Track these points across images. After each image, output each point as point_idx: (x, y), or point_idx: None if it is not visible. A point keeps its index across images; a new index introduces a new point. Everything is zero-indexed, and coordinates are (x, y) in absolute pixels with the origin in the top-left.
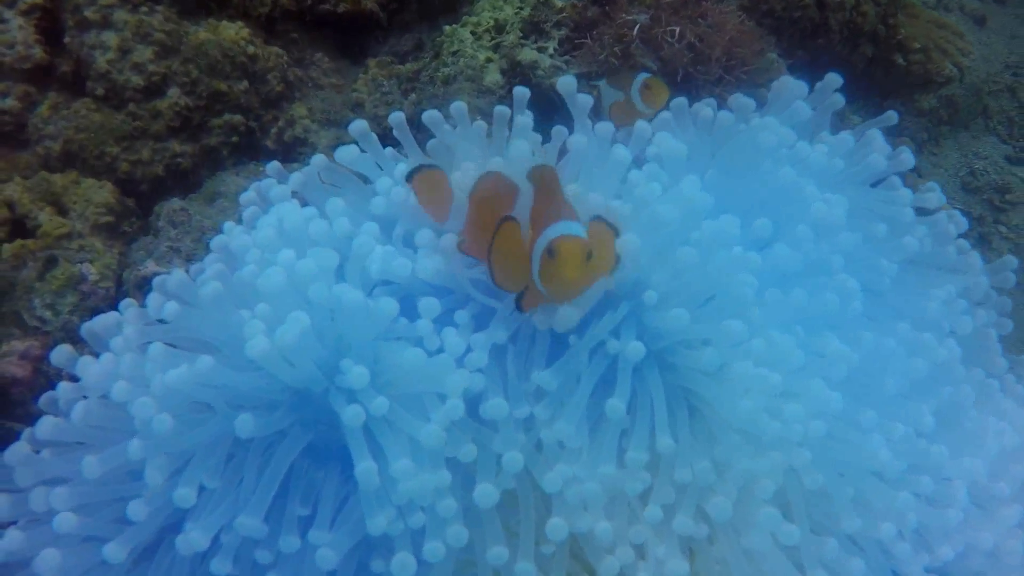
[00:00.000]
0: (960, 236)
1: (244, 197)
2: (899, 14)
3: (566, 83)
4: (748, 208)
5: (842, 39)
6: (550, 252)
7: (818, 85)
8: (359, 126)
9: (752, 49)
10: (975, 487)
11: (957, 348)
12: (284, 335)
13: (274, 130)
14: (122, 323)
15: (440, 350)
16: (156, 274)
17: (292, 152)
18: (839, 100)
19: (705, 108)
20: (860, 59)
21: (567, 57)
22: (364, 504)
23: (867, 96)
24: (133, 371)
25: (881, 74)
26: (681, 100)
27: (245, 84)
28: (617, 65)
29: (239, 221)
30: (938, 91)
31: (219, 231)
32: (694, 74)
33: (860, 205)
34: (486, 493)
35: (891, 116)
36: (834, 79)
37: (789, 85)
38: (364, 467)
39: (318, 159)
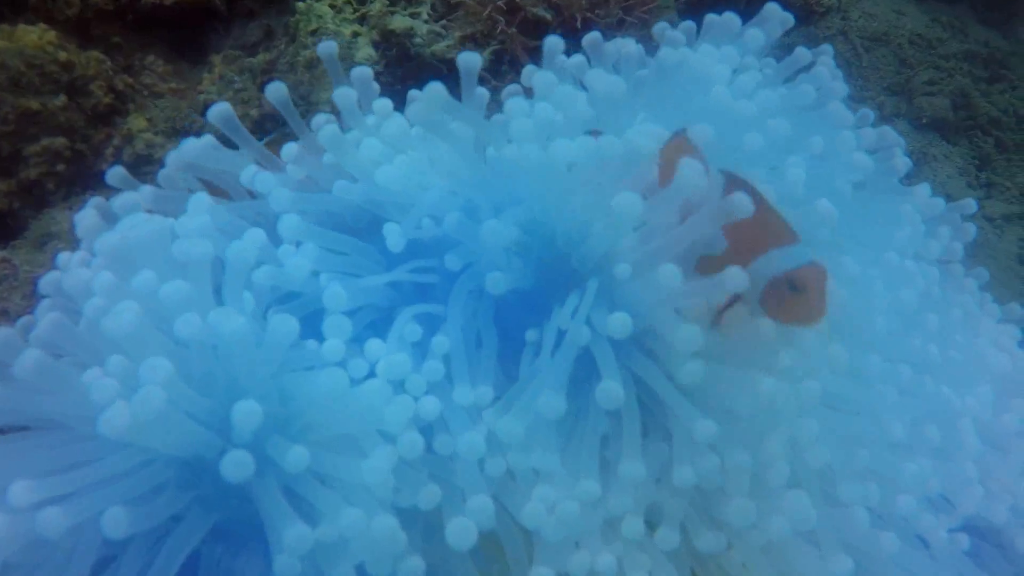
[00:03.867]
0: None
1: (80, 217)
2: None
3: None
4: None
5: None
6: (792, 286)
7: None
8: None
9: None
10: (982, 425)
11: (935, 271)
12: (143, 403)
13: (109, 150)
14: None
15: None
16: None
17: (136, 173)
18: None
19: (629, 44)
20: None
21: (444, 21)
22: None
23: None
24: None
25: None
26: (595, 35)
27: (63, 99)
28: (503, 22)
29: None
30: (819, 22)
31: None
32: (593, 19)
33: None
34: (461, 530)
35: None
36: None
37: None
38: (294, 533)
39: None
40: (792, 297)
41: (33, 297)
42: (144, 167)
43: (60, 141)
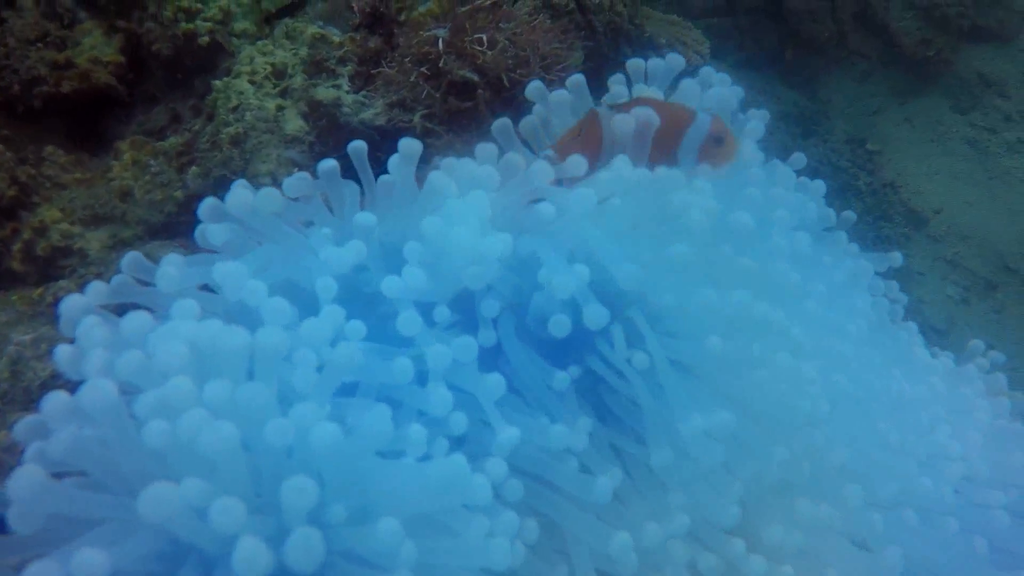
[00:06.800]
0: None
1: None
2: (639, 15)
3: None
4: None
5: (607, 40)
6: (716, 140)
7: None
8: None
9: (564, 45)
10: None
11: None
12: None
13: (18, 246)
14: None
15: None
16: None
17: (52, 268)
18: None
19: None
20: (623, 58)
21: (365, 92)
22: None
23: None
24: None
25: None
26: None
27: None
28: (427, 87)
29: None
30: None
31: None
32: (517, 79)
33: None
34: None
35: None
36: None
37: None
38: None
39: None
40: (716, 148)
41: None
42: (63, 260)
43: None
